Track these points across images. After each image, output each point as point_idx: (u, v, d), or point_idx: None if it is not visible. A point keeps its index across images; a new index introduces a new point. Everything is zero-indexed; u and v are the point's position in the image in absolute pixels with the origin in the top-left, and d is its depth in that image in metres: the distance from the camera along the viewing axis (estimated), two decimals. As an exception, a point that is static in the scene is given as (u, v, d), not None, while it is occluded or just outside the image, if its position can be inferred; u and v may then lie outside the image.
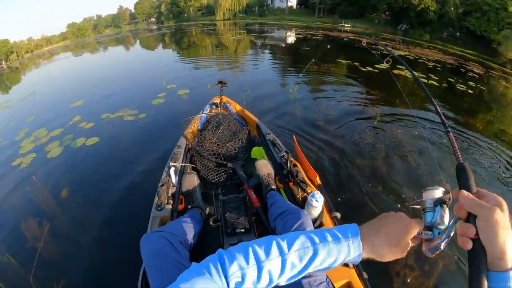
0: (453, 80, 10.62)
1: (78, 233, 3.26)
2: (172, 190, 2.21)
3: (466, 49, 25.71)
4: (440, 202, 0.71)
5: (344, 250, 0.71)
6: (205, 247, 1.83)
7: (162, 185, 2.15)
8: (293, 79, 8.36)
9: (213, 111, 3.44)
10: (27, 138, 6.15)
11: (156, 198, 2.07)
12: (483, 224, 0.60)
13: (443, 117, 1.01)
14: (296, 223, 1.53)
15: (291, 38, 20.57)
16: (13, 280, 2.74)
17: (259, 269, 0.70)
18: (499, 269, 0.58)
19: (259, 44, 18.46)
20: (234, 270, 0.68)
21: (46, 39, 65.97)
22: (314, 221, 1.84)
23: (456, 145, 0.80)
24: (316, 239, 0.73)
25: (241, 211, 1.98)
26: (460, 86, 9.75)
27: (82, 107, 7.22)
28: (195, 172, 2.36)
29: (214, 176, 2.49)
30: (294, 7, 47.65)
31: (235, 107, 3.58)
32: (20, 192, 4.32)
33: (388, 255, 0.71)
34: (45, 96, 9.88)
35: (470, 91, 9.50)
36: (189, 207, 2.09)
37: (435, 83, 9.68)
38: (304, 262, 0.71)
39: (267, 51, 15.79)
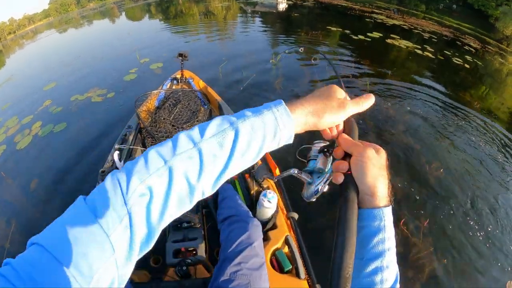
0: (449, 53, 10.06)
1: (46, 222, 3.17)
2: None
3: (462, 22, 24.54)
4: (321, 150, 0.73)
5: (270, 119, 0.56)
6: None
7: (103, 171, 2.00)
8: (280, 48, 7.97)
9: (173, 87, 3.21)
10: (0, 128, 6.00)
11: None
12: (355, 159, 0.62)
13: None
14: (241, 236, 1.41)
15: (282, 5, 19.52)
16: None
17: (169, 172, 0.51)
18: (371, 205, 0.59)
19: (249, 11, 17.64)
20: (134, 187, 0.48)
21: (28, 18, 63.68)
22: (266, 222, 1.73)
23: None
24: (234, 119, 0.56)
25: None
26: (456, 60, 9.25)
27: (54, 90, 7.03)
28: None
29: None
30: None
31: (198, 83, 3.36)
32: None
33: (325, 115, 0.60)
34: (22, 81, 9.65)
35: (466, 65, 9.03)
36: None
37: (430, 54, 9.16)
38: (227, 147, 0.54)
39: (257, 19, 15.07)
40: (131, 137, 2.44)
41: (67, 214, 0.47)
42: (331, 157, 0.71)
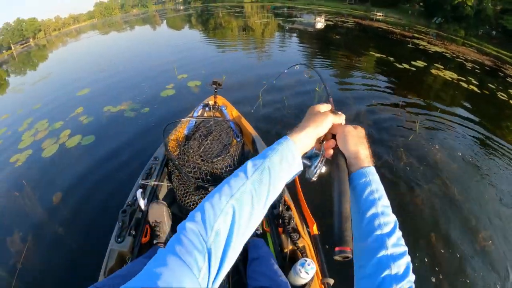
0: (493, 86, 9.40)
1: (61, 246, 3.10)
2: (137, 215, 1.96)
3: (501, 49, 23.68)
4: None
5: (284, 149, 0.73)
6: None
7: (124, 211, 1.92)
8: (321, 72, 7.75)
9: (205, 114, 3.09)
10: (29, 130, 6.12)
11: (118, 226, 1.86)
12: (339, 135, 0.82)
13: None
14: None
15: (320, 24, 19.52)
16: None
17: (233, 209, 0.63)
18: (357, 167, 0.77)
19: (287, 28, 17.66)
20: (210, 228, 0.59)
21: (73, 18, 67.67)
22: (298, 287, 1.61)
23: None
24: (261, 160, 0.71)
25: None
26: (501, 95, 8.64)
27: (87, 97, 7.12)
28: (163, 202, 2.02)
29: (192, 201, 2.17)
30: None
31: (231, 112, 3.23)
32: (7, 198, 4.14)
33: (317, 127, 0.79)
34: (56, 81, 9.96)
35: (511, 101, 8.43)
36: (154, 242, 1.85)
37: (475, 88, 8.56)
38: (266, 177, 0.68)
39: (294, 37, 14.98)
40: (156, 171, 2.33)
41: (156, 266, 0.54)
42: (323, 142, 0.85)
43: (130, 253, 1.75)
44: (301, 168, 0.77)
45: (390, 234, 0.67)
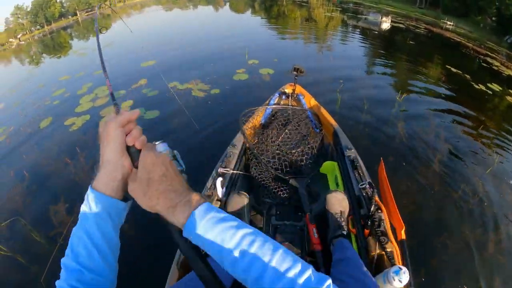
0: None
1: None
2: (216, 205, 1.85)
3: None
4: None
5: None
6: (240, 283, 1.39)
7: None
8: (400, 82, 6.85)
9: (282, 102, 3.07)
10: (88, 94, 6.06)
11: None
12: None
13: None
14: None
15: (385, 24, 18.32)
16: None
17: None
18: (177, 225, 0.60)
19: (351, 25, 16.80)
20: None
21: (138, -9, 70.19)
22: None
23: None
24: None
25: (294, 247, 1.76)
26: None
27: (151, 69, 6.91)
28: (245, 194, 1.92)
29: (270, 192, 2.16)
30: (395, -10, 44.32)
31: (309, 101, 3.11)
32: (58, 164, 3.92)
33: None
34: (120, 49, 10.02)
35: None
36: None
37: None
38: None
39: (357, 34, 14.07)
40: (235, 160, 2.27)
41: None
42: None
43: None
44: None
45: None
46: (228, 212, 1.69)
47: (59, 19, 46.06)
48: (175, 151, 0.78)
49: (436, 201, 3.09)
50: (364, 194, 1.91)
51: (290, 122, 2.59)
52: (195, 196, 0.59)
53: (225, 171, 2.13)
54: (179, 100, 5.00)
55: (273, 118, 2.78)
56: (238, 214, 1.86)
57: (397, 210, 1.74)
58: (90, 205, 0.63)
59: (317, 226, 1.80)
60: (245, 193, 1.94)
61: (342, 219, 1.79)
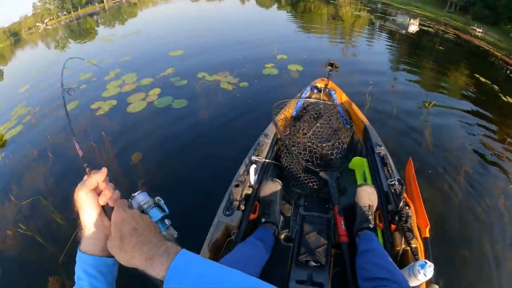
0: None
1: None
2: (247, 191, 2.01)
3: None
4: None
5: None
6: (266, 271, 1.57)
7: (237, 185, 1.95)
8: (428, 88, 6.58)
9: (313, 96, 3.11)
10: (115, 80, 6.05)
11: (226, 199, 1.91)
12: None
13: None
14: None
15: (413, 27, 17.85)
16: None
17: None
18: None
19: (377, 25, 16.47)
20: None
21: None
22: None
23: None
24: None
25: (321, 238, 1.80)
26: None
27: (180, 59, 6.92)
28: (279, 181, 2.01)
29: (300, 182, 2.24)
30: (424, -8, 43.44)
31: (340, 96, 3.17)
32: (84, 147, 3.88)
33: None
34: (147, 38, 10.11)
35: None
36: (263, 220, 1.88)
37: None
38: None
39: (384, 34, 13.70)
40: (267, 148, 2.35)
41: None
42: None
43: (237, 228, 1.76)
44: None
45: None
46: (260, 198, 1.95)
47: (86, 6, 46.84)
48: (157, 198, 0.80)
49: (457, 212, 3.01)
50: (393, 190, 1.95)
51: (321, 116, 2.63)
52: (171, 245, 0.60)
53: (257, 159, 2.19)
54: (207, 91, 4.97)
55: (304, 111, 2.83)
56: (270, 200, 1.93)
57: (423, 208, 1.79)
58: (81, 266, 0.66)
59: (344, 219, 1.84)
60: (278, 180, 2.01)
61: (370, 213, 1.85)
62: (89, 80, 6.53)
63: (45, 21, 40.74)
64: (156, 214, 0.77)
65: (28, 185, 3.73)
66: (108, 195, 0.69)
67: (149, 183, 3.25)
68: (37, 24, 40.32)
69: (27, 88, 7.89)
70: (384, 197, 1.97)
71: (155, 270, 0.55)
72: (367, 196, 1.89)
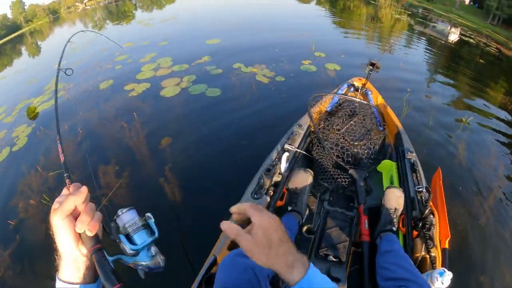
0: None
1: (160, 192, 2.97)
2: (277, 178, 2.04)
3: None
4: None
5: None
6: None
7: (269, 170, 2.00)
8: (466, 102, 6.22)
9: (349, 94, 3.09)
10: (151, 63, 6.08)
11: (255, 183, 1.95)
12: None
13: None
14: None
15: (453, 36, 17.16)
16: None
17: None
18: (291, 284, 0.64)
19: (417, 31, 15.97)
20: None
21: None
22: None
23: None
24: None
25: (343, 234, 1.83)
26: None
27: (216, 47, 6.86)
28: (311, 172, 2.06)
29: (329, 177, 2.25)
30: (467, 2, 42.10)
31: (376, 98, 3.16)
32: (113, 126, 3.91)
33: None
34: (185, 24, 10.19)
35: None
36: (289, 208, 1.93)
37: None
38: None
39: (423, 41, 13.23)
40: (299, 139, 2.40)
41: None
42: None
43: None
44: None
45: None
46: (289, 187, 2.00)
47: (126, -11, 47.90)
48: (148, 214, 0.77)
49: (481, 234, 2.82)
50: (419, 197, 1.95)
51: (356, 114, 2.65)
52: (304, 257, 0.66)
53: (290, 148, 2.23)
54: (242, 82, 4.89)
55: (339, 107, 2.84)
56: (299, 190, 1.97)
57: (446, 219, 1.79)
58: None
59: (368, 220, 1.89)
60: (311, 171, 2.06)
61: (395, 216, 1.87)
62: (124, 61, 6.61)
63: (84, 1, 41.93)
64: (144, 238, 0.72)
65: (55, 158, 3.76)
66: (86, 221, 0.63)
67: (176, 168, 3.23)
68: (77, 3, 41.59)
69: (63, 64, 8.06)
70: (410, 202, 1.98)
71: (293, 276, 0.62)
72: (395, 199, 1.92)
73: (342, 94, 3.02)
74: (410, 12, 23.71)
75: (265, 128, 3.73)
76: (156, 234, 0.75)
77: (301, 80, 5.20)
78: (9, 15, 43.59)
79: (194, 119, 4.02)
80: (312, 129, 2.59)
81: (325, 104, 2.94)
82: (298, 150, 2.29)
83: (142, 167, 3.31)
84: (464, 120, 4.62)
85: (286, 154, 2.10)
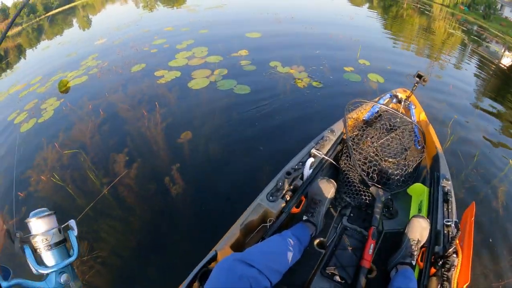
0: None
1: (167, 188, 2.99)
2: (297, 182, 1.98)
3: None
4: None
5: None
6: (290, 269, 1.52)
7: (289, 173, 1.94)
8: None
9: (390, 105, 2.95)
10: (186, 51, 6.13)
11: (273, 185, 1.92)
12: None
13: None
14: None
15: (507, 60, 16.07)
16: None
17: None
18: None
19: (469, 48, 15.13)
20: None
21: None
22: None
23: None
24: None
25: (356, 256, 1.76)
26: None
27: (255, 42, 6.77)
28: (334, 184, 1.97)
29: (353, 191, 2.17)
30: (525, 23, 39.49)
31: (419, 114, 3.02)
32: (134, 112, 3.93)
33: None
34: (230, 13, 10.06)
35: None
36: (304, 218, 1.87)
37: None
38: None
39: (474, 60, 12.52)
40: (329, 145, 2.32)
41: None
42: None
43: (275, 217, 1.77)
44: None
45: None
46: (309, 194, 1.94)
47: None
48: (70, 223, 0.68)
49: None
50: (446, 231, 1.84)
51: (395, 129, 2.54)
52: None
53: (317, 153, 2.16)
54: (275, 83, 4.74)
55: (378, 118, 2.76)
56: (319, 200, 1.91)
57: (470, 262, 1.67)
58: None
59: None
60: (334, 182, 1.96)
61: (416, 249, 1.78)
62: (161, 46, 6.68)
63: (139, -21, 43.29)
64: (56, 260, 0.62)
65: (74, 136, 3.88)
66: None
67: (190, 165, 3.22)
68: (130, -19, 43.00)
69: (103, 42, 8.31)
70: (434, 235, 1.85)
71: None
72: (420, 231, 1.81)
73: (383, 104, 2.87)
74: (465, 28, 22.66)
75: (287, 137, 3.59)
76: (75, 255, 0.64)
77: (339, 89, 4.93)
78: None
79: (217, 115, 3.97)
80: (344, 137, 2.49)
81: (364, 112, 2.83)
82: (326, 157, 2.22)
83: (156, 159, 3.32)
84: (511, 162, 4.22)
85: (311, 160, 2.06)
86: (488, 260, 2.70)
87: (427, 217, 1.96)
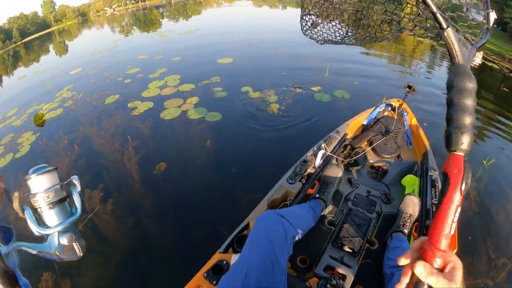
0: None
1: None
2: (310, 171, 2.36)
3: None
4: None
5: None
6: (306, 243, 1.91)
7: (305, 162, 2.37)
8: (491, 144, 5.54)
9: (386, 113, 3.35)
10: (159, 80, 6.21)
11: (292, 170, 2.29)
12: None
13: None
14: None
15: (477, 60, 16.64)
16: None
17: None
18: None
19: (439, 52, 15.66)
20: None
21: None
22: None
23: None
24: None
25: (360, 231, 2.02)
26: None
27: (227, 67, 6.88)
28: (342, 168, 2.44)
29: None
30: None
31: (411, 119, 3.41)
32: (110, 148, 3.97)
33: None
34: (202, 39, 10.26)
35: None
36: (317, 196, 2.20)
37: None
38: None
39: (446, 62, 12.92)
40: (334, 143, 2.68)
41: None
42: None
43: (294, 196, 2.12)
44: None
45: None
46: (322, 176, 2.34)
47: (154, -2, 49.26)
48: (73, 180, 0.65)
49: None
50: (434, 209, 1.93)
51: (390, 131, 2.94)
52: None
53: (326, 148, 2.49)
54: (246, 108, 4.81)
55: (376, 122, 3.10)
56: (329, 181, 2.29)
57: (456, 232, 1.94)
58: None
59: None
60: (341, 167, 2.41)
61: (409, 221, 2.07)
62: (135, 75, 6.74)
63: (113, 6, 43.44)
64: (59, 219, 0.59)
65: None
66: None
67: (167, 195, 3.27)
68: (106, 8, 43.12)
69: (78, 71, 8.30)
70: (425, 212, 2.15)
71: None
72: (412, 206, 2.14)
73: (381, 112, 3.33)
74: (433, 35, 23.37)
75: (261, 162, 3.63)
76: (78, 212, 0.61)
77: (310, 111, 4.92)
78: (40, 13, 45.68)
79: (189, 145, 4.03)
80: (348, 137, 2.94)
81: (363, 118, 3.22)
82: (330, 154, 2.55)
83: (132, 192, 3.35)
84: (485, 162, 4.34)
85: (322, 152, 2.41)
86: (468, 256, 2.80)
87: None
